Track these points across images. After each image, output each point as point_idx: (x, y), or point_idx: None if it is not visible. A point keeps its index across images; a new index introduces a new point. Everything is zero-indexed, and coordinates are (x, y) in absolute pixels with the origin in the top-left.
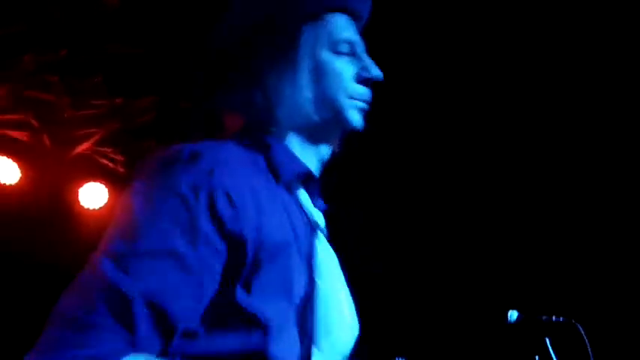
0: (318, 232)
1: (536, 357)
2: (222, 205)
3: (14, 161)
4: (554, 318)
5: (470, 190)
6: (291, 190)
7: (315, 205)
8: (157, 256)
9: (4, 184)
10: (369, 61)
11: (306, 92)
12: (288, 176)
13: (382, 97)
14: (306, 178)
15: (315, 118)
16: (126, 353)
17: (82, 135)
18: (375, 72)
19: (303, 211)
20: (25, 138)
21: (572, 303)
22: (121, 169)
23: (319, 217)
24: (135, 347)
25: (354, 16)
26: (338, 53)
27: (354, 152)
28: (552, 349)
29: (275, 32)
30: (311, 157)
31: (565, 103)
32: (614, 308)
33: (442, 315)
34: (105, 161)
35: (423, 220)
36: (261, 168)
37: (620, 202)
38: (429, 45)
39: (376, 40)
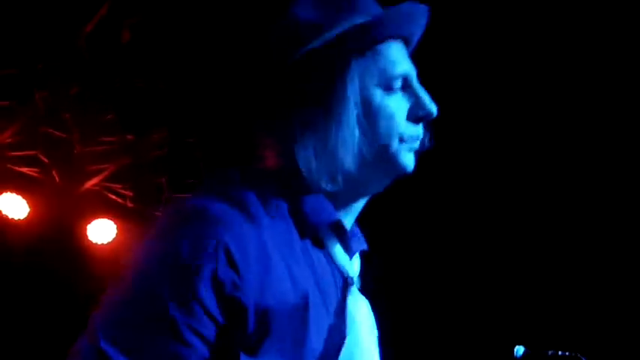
0: (351, 285)
1: None
2: (223, 272)
3: (23, 197)
4: (560, 352)
5: (476, 225)
6: (321, 243)
7: (352, 252)
8: (155, 329)
9: (14, 219)
10: (423, 95)
11: (354, 137)
12: (315, 229)
13: None
14: (337, 228)
15: (363, 165)
16: None
17: (91, 171)
18: (430, 108)
19: (335, 264)
20: (34, 174)
21: (578, 337)
22: (130, 205)
23: (353, 268)
24: None
25: (406, 40)
26: (391, 90)
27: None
28: None
29: (320, 69)
30: (349, 205)
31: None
32: (620, 342)
33: (451, 351)
34: (114, 197)
35: (429, 256)
36: (285, 221)
37: (624, 238)
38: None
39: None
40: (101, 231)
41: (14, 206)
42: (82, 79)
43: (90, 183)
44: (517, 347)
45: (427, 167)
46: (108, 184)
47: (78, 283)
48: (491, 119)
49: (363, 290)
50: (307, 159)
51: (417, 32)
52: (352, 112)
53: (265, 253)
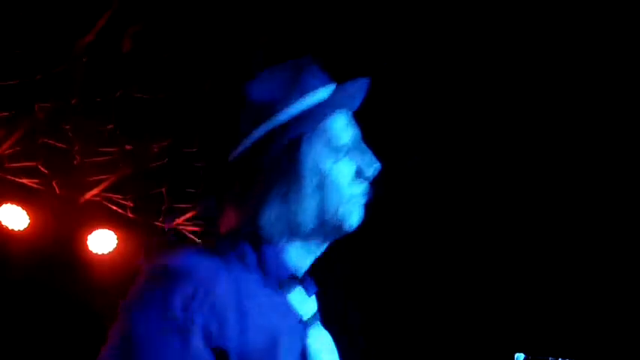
0: (310, 326)
1: None
2: (209, 322)
3: (23, 208)
4: (560, 359)
5: (475, 229)
6: (283, 289)
7: (309, 294)
8: None
9: (13, 230)
10: (367, 156)
11: (311, 205)
12: (276, 280)
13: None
14: (296, 277)
15: (316, 228)
16: None
17: (91, 181)
18: (374, 168)
19: (293, 309)
20: (34, 185)
21: (578, 344)
22: (131, 215)
23: (311, 308)
24: None
25: (350, 109)
26: (338, 157)
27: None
28: None
29: (275, 148)
30: (304, 257)
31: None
32: (620, 348)
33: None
34: (114, 207)
35: (427, 261)
36: (253, 272)
37: (625, 241)
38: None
39: None
40: (102, 241)
41: (14, 217)
42: (82, 90)
43: (90, 194)
44: (517, 355)
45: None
46: (108, 195)
47: (78, 293)
48: (491, 119)
49: (324, 323)
50: (270, 224)
51: (360, 99)
52: (308, 185)
53: (240, 303)
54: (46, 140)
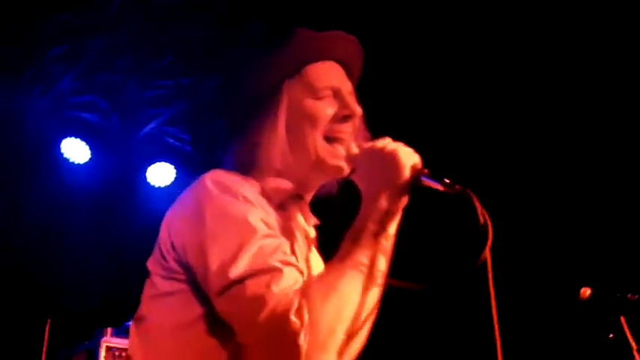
0: (312, 246)
1: (611, 335)
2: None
3: (84, 142)
4: (629, 295)
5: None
6: (285, 210)
7: (307, 221)
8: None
9: (75, 163)
10: (348, 99)
11: (284, 137)
12: (280, 199)
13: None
14: (294, 199)
15: (296, 161)
16: None
17: (149, 115)
18: (353, 108)
19: (299, 225)
20: (94, 119)
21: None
22: (188, 148)
23: (312, 231)
24: None
25: (337, 60)
26: (319, 99)
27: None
28: (627, 327)
29: (264, 92)
30: (304, 186)
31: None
32: None
33: (517, 293)
34: (172, 140)
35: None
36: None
37: None
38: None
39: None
40: (160, 174)
41: (76, 151)
42: (137, 23)
43: (148, 127)
44: (584, 289)
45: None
46: (166, 128)
47: (138, 224)
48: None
49: (319, 249)
50: (259, 155)
51: (344, 52)
52: (284, 119)
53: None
54: (103, 74)
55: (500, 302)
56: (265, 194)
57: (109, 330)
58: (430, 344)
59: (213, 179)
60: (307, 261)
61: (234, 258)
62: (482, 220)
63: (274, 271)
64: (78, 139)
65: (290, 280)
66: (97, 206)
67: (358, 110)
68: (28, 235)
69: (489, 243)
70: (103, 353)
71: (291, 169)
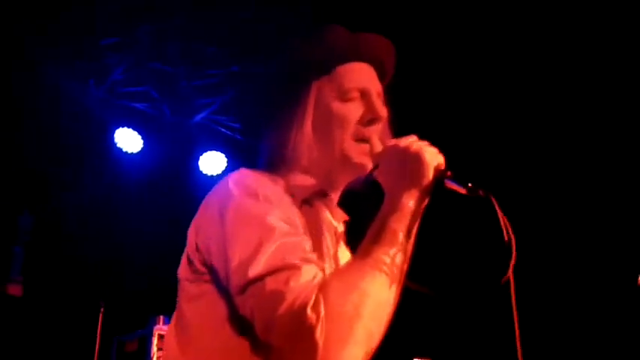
0: (340, 241)
1: None
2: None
3: (137, 131)
4: None
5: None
6: (311, 206)
7: (335, 217)
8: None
9: (128, 152)
10: (375, 102)
11: (312, 137)
12: (306, 196)
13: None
14: (319, 196)
15: (321, 158)
16: None
17: (200, 104)
18: (378, 112)
19: (326, 221)
20: (146, 109)
21: None
22: (239, 137)
23: (340, 227)
24: None
25: (369, 61)
26: (347, 100)
27: None
28: None
29: (292, 90)
30: (330, 184)
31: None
32: None
33: (572, 278)
34: (223, 129)
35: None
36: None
37: None
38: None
39: None
40: (212, 163)
41: (129, 140)
42: (186, 12)
43: (199, 116)
44: None
45: None
46: (217, 117)
47: (190, 213)
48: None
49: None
50: (285, 152)
51: (374, 53)
52: (311, 119)
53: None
54: (153, 64)
55: (522, 313)
56: (289, 191)
57: (161, 318)
58: (449, 346)
59: (235, 180)
60: (336, 256)
61: (253, 257)
62: (506, 236)
63: (293, 269)
64: (130, 129)
65: (308, 276)
66: (150, 195)
67: (384, 113)
68: (82, 222)
69: (513, 261)
70: (155, 341)
71: (316, 166)
